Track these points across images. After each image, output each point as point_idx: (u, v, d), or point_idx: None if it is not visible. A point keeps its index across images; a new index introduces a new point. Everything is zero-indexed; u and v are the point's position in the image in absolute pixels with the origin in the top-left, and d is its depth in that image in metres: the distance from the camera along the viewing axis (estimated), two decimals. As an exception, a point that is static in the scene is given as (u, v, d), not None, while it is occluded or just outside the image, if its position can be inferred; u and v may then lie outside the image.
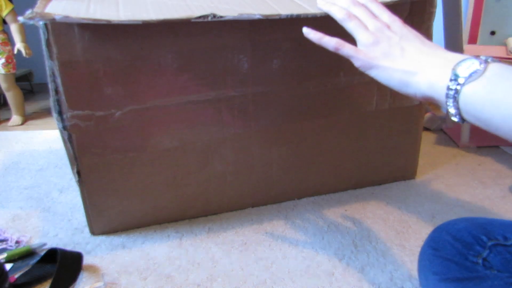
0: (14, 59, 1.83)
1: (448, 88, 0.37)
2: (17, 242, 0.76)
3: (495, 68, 0.36)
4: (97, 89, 0.66)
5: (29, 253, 0.72)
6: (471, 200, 0.89)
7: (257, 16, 0.56)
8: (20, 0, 1.90)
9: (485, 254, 0.49)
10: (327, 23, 0.50)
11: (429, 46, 0.44)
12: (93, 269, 0.68)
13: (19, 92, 1.88)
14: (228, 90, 0.73)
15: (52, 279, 0.61)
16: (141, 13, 0.57)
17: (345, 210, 0.85)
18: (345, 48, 0.46)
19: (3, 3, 1.72)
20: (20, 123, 1.82)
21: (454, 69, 0.38)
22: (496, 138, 1.32)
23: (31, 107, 2.15)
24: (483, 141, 1.20)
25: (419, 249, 0.56)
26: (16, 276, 0.65)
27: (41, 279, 0.65)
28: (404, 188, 0.95)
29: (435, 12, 0.83)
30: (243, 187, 0.84)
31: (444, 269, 0.48)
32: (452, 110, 0.37)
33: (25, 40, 1.76)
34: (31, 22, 0.50)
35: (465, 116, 0.37)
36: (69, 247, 0.74)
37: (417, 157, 0.97)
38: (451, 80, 0.37)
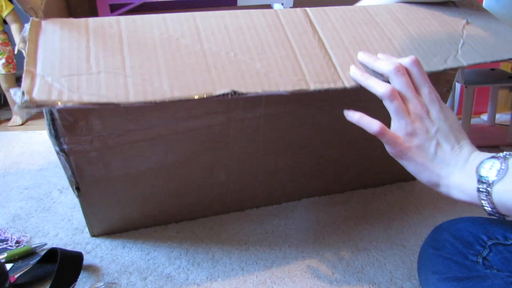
0: (14, 59, 1.84)
1: (479, 190, 0.38)
2: (17, 242, 0.76)
3: None
4: (96, 115, 0.59)
5: (29, 253, 0.72)
6: (471, 200, 0.89)
7: (282, 92, 0.48)
8: (20, 1, 1.90)
9: (485, 253, 0.49)
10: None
11: (459, 142, 0.45)
12: (93, 269, 0.68)
13: (19, 92, 1.87)
14: (240, 110, 0.68)
15: (52, 279, 0.61)
16: (151, 68, 0.48)
17: (345, 210, 0.85)
18: (386, 136, 0.45)
19: (3, 3, 1.72)
20: (20, 123, 1.82)
21: (477, 172, 0.39)
22: (496, 138, 1.32)
23: (31, 107, 2.15)
24: (483, 141, 1.20)
25: (419, 249, 0.56)
26: (17, 276, 0.65)
27: (41, 279, 0.65)
28: (405, 189, 0.95)
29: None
30: (245, 193, 0.84)
31: (444, 269, 0.48)
32: (489, 210, 0.38)
33: (25, 40, 1.76)
34: (28, 112, 0.41)
35: (504, 212, 0.38)
36: (69, 247, 0.74)
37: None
38: (478, 182, 0.38)
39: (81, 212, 0.73)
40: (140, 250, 0.73)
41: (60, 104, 0.42)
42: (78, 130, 0.59)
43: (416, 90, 0.46)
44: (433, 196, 0.91)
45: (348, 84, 0.50)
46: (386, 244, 0.73)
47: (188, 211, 0.82)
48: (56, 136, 0.59)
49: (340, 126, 0.80)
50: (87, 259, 0.70)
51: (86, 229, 0.79)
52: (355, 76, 0.50)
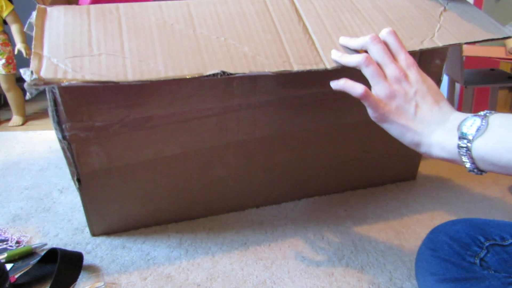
0: (14, 59, 1.84)
1: (459, 147, 0.40)
2: (17, 242, 0.76)
3: (496, 119, 0.39)
4: (96, 100, 0.62)
5: (29, 253, 0.72)
6: (470, 200, 0.89)
7: (267, 73, 0.52)
8: (20, 1, 1.91)
9: (482, 254, 0.50)
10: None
11: (438, 103, 0.46)
12: (93, 269, 0.68)
13: (19, 92, 1.88)
14: (235, 99, 0.70)
15: (52, 279, 0.61)
16: (148, 50, 0.51)
17: (345, 210, 0.85)
18: (370, 99, 0.46)
19: (3, 3, 1.72)
20: (20, 123, 1.82)
21: (459, 129, 0.40)
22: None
23: (31, 107, 2.15)
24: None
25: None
26: (17, 276, 0.65)
27: (41, 279, 0.65)
28: (404, 189, 0.95)
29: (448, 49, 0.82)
30: (245, 190, 0.84)
31: (441, 270, 0.48)
32: (468, 165, 0.40)
33: (26, 40, 1.77)
34: (36, 88, 0.45)
35: (482, 166, 0.39)
36: (69, 247, 0.74)
37: (418, 159, 0.97)
38: (459, 138, 0.40)
39: (81, 212, 0.73)
40: (140, 250, 0.73)
41: (65, 82, 0.46)
42: (79, 116, 0.62)
43: (393, 57, 0.48)
44: (432, 196, 0.91)
45: (329, 65, 0.54)
46: (386, 244, 0.73)
47: (188, 211, 0.82)
48: (58, 122, 0.62)
49: (336, 118, 0.81)
50: (87, 259, 0.71)
51: (86, 229, 0.79)
52: (336, 58, 0.52)
